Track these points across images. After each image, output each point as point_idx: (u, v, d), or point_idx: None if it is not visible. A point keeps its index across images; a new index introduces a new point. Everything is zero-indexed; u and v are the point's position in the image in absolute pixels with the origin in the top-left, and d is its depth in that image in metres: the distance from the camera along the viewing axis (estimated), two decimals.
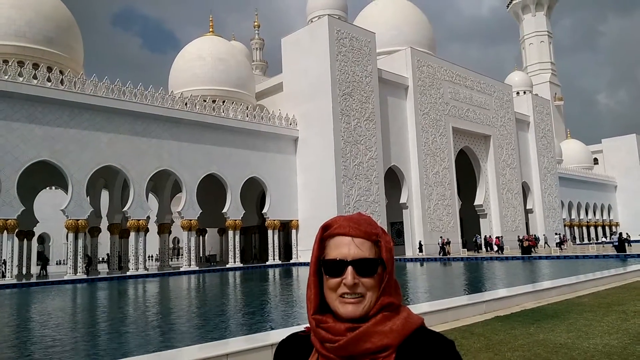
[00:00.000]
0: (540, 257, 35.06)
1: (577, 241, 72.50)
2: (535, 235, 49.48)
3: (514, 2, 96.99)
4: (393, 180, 44.67)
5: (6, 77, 27.47)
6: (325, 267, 1.30)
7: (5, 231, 27.26)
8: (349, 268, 1.26)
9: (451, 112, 50.14)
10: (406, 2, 61.58)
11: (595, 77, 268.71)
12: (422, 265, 34.74)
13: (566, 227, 69.62)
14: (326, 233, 1.33)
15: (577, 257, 33.68)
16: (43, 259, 33.07)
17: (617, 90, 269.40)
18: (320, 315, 1.31)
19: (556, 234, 53.04)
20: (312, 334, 1.33)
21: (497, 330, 8.29)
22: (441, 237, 42.67)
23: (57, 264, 58.13)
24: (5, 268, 27.64)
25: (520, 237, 43.02)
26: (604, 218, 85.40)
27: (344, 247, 1.28)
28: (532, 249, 39.19)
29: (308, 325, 1.39)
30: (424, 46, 56.16)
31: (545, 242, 52.64)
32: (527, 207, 60.18)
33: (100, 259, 43.55)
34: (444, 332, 7.43)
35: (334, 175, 37.94)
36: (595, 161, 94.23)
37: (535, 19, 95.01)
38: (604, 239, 60.87)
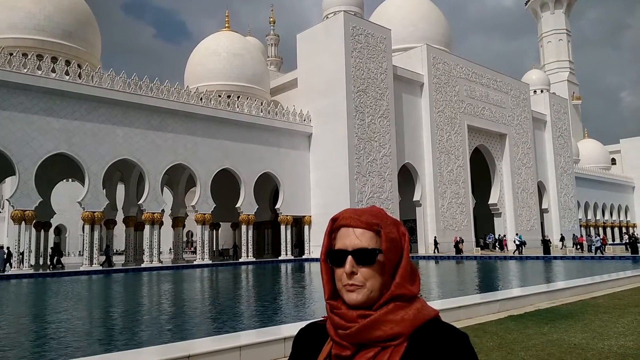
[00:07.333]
0: (555, 258, 34.70)
1: (610, 241, 65.26)
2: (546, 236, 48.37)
3: None
4: (407, 177, 44.48)
5: (25, 70, 27.88)
6: (330, 257, 1.35)
7: (23, 222, 27.73)
8: (349, 257, 1.31)
9: (467, 109, 49.74)
10: None
11: (619, 73, 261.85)
12: (437, 263, 34.58)
13: (582, 228, 68.71)
14: (334, 225, 1.39)
15: (592, 258, 33.29)
16: (57, 251, 33.74)
17: None
18: (334, 301, 1.36)
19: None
20: (328, 322, 1.38)
21: (511, 329, 8.23)
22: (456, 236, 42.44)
23: (73, 255, 58.93)
24: (22, 258, 28.11)
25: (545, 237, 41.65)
26: (620, 219, 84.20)
27: (346, 238, 1.33)
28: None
29: (325, 314, 1.42)
30: (440, 43, 55.73)
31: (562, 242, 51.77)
32: (543, 207, 59.58)
33: (115, 250, 44.17)
34: None
35: (347, 171, 37.91)
36: (613, 161, 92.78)
37: (553, 17, 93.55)
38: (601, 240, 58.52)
